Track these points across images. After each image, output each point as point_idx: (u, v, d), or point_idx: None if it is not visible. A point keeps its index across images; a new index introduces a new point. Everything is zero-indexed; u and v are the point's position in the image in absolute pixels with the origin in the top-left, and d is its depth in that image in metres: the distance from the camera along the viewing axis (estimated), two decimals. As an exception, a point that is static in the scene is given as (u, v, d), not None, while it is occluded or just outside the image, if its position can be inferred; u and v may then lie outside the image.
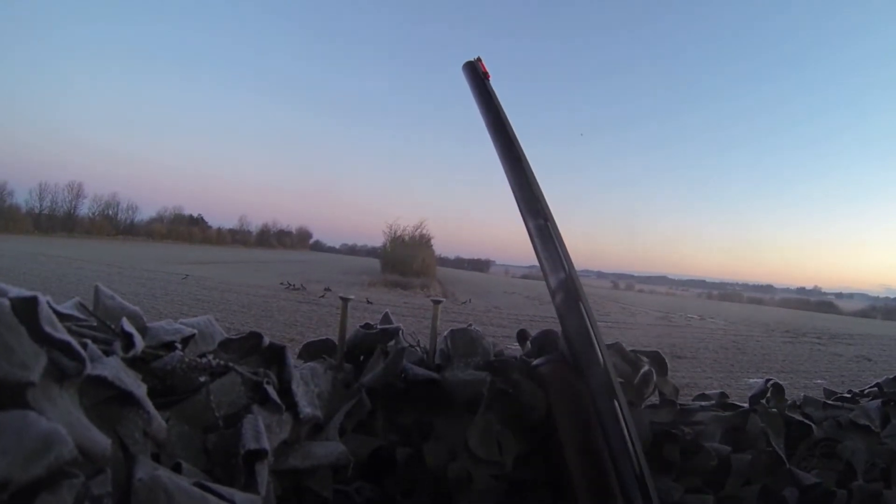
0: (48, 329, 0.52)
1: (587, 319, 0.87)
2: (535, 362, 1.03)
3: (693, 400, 1.48)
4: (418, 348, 1.13)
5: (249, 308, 12.91)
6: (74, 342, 0.53)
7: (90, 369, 0.54)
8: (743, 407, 1.41)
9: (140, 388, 0.60)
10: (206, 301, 13.40)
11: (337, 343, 1.08)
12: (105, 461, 0.50)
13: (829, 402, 1.57)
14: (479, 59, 1.20)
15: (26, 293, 0.53)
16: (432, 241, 34.38)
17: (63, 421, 0.47)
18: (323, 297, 16.43)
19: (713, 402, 1.45)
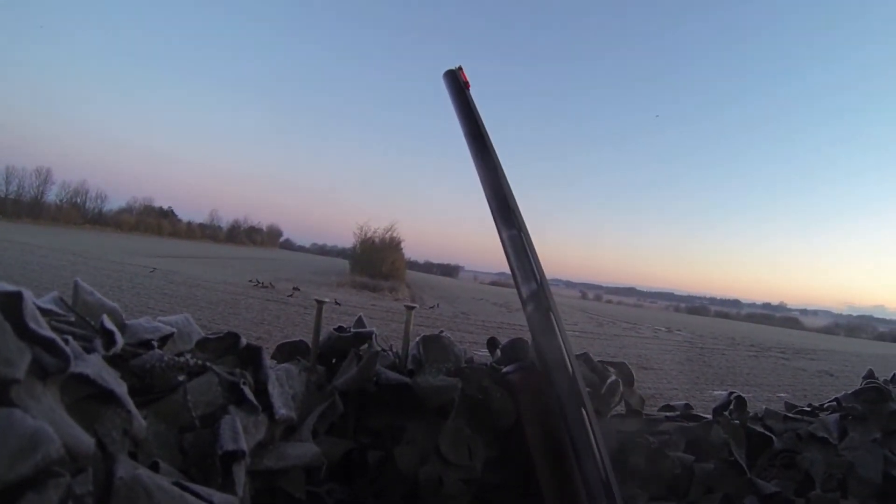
0: (33, 326, 0.52)
1: (557, 329, 0.89)
2: (505, 370, 1.05)
3: (658, 410, 1.53)
4: (391, 353, 1.15)
5: (217, 304, 12.70)
6: (59, 340, 0.53)
7: (73, 367, 0.54)
8: (706, 418, 1.47)
9: (121, 387, 0.60)
10: (173, 296, 13.14)
11: (311, 345, 1.09)
12: (88, 460, 0.51)
13: (790, 415, 1.63)
14: (460, 69, 1.20)
15: (10, 288, 0.53)
16: (402, 245, 34.30)
17: (47, 419, 0.47)
18: (291, 296, 16.20)
19: (678, 413, 1.50)
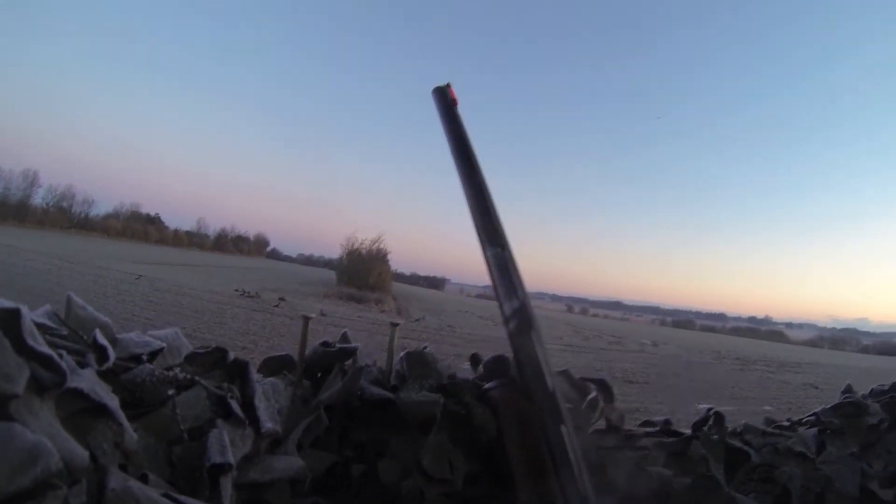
0: (31, 342, 0.54)
1: (538, 347, 0.90)
2: (486, 386, 1.08)
3: (639, 426, 1.55)
4: (375, 368, 1.18)
5: (202, 313, 12.58)
6: (56, 356, 0.55)
7: (69, 382, 0.56)
8: (685, 434, 1.50)
9: (113, 401, 0.63)
10: (158, 303, 12.99)
11: (297, 359, 1.11)
12: (82, 472, 0.53)
13: (769, 429, 1.67)
14: (448, 86, 1.21)
15: (9, 304, 0.56)
16: (389, 257, 34.19)
17: (45, 433, 0.50)
18: (277, 306, 15.99)
19: (657, 428, 1.53)
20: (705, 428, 1.53)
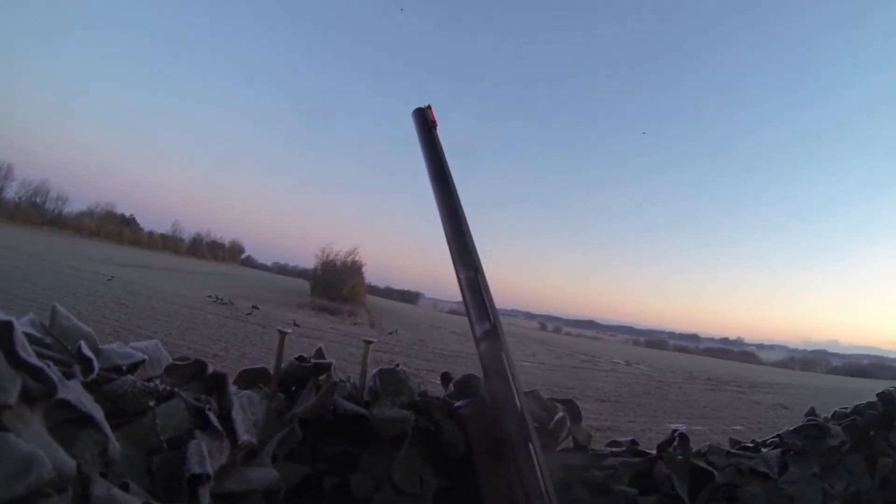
0: (23, 354, 0.57)
1: (507, 368, 0.94)
2: (457, 404, 1.11)
3: (606, 446, 1.60)
4: (349, 384, 1.21)
5: (174, 318, 12.39)
6: (46, 368, 0.58)
7: (59, 394, 0.59)
8: (651, 454, 1.55)
9: (99, 412, 0.65)
10: (130, 306, 12.74)
11: (272, 373, 1.14)
12: (69, 481, 0.56)
13: (733, 450, 1.72)
14: (429, 107, 1.23)
15: (1, 316, 0.58)
16: (364, 269, 33.97)
17: (36, 443, 0.52)
18: (250, 314, 15.79)
19: (623, 448, 1.58)
20: (670, 448, 1.58)
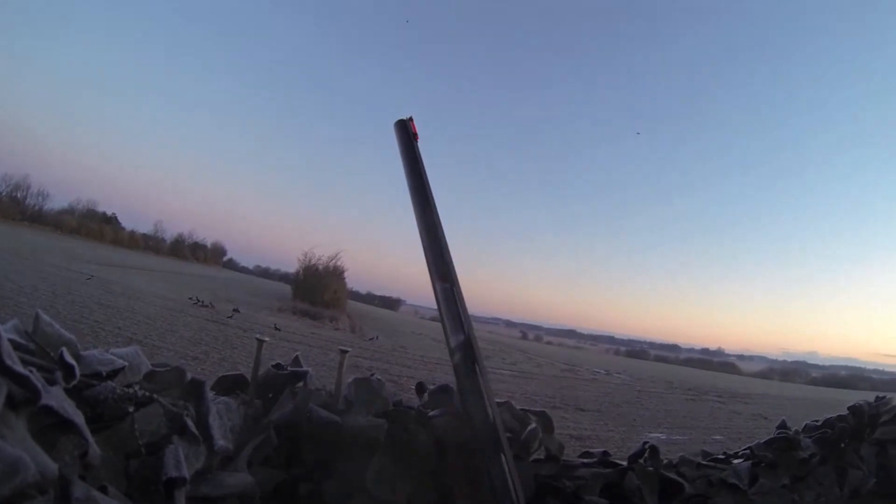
0: (9, 362, 0.60)
1: (480, 379, 0.96)
2: (431, 413, 1.15)
3: (579, 456, 1.64)
4: (324, 392, 1.24)
5: (155, 320, 12.26)
6: (31, 376, 0.61)
7: (42, 400, 0.62)
8: (622, 465, 1.59)
9: (80, 417, 0.68)
10: (111, 307, 12.56)
11: (250, 380, 1.17)
12: (51, 483, 0.58)
13: (704, 462, 1.77)
14: (410, 119, 1.24)
15: (-13, 326, 0.61)
16: (345, 274, 33.76)
17: (21, 447, 0.55)
18: (231, 317, 15.74)
19: (595, 459, 1.61)
20: (641, 460, 1.63)
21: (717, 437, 9.88)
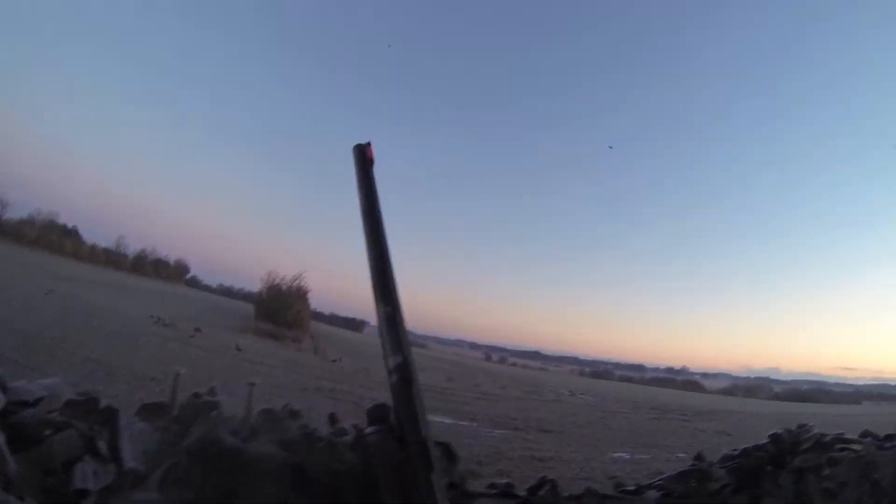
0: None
1: (415, 400, 0.96)
2: (365, 431, 1.21)
3: (486, 487, 1.74)
4: (236, 420, 1.39)
5: (114, 338, 11.91)
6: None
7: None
8: (522, 496, 1.71)
9: (1, 437, 0.83)
10: (68, 324, 12.09)
11: (168, 408, 1.33)
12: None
13: (612, 493, 1.86)
14: (368, 144, 1.25)
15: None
16: (309, 295, 33.39)
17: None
18: (192, 336, 15.58)
19: (497, 490, 1.72)
20: (540, 492, 1.75)
21: (681, 454, 9.86)
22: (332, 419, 1.50)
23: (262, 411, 1.38)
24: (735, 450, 2.41)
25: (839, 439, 2.56)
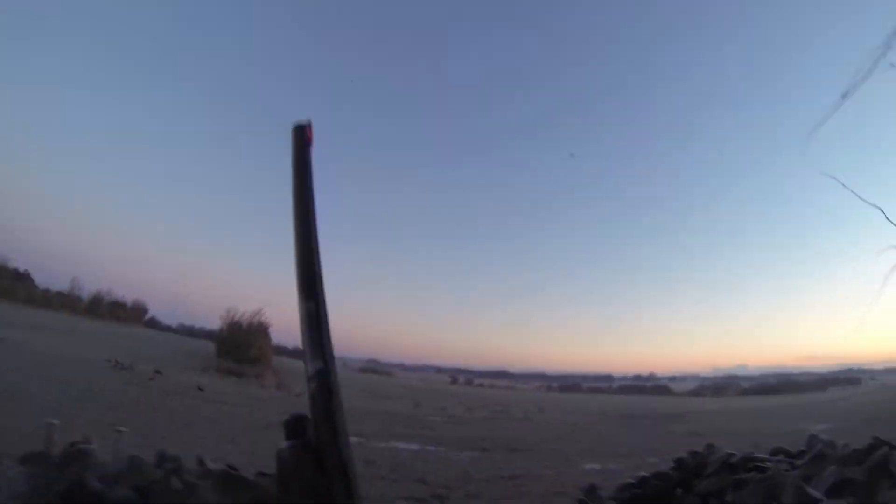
0: None
1: (335, 411, 0.91)
2: (282, 445, 1.13)
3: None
4: (106, 466, 1.40)
5: (69, 384, 11.45)
6: None
7: None
8: None
9: None
10: (20, 371, 11.59)
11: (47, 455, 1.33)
12: None
13: None
14: (309, 123, 1.17)
15: None
16: (271, 329, 32.86)
17: None
18: (152, 379, 15.19)
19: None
20: None
21: (652, 459, 9.88)
22: (200, 461, 1.51)
23: (128, 457, 1.41)
24: (632, 477, 2.36)
25: (748, 458, 2.52)
